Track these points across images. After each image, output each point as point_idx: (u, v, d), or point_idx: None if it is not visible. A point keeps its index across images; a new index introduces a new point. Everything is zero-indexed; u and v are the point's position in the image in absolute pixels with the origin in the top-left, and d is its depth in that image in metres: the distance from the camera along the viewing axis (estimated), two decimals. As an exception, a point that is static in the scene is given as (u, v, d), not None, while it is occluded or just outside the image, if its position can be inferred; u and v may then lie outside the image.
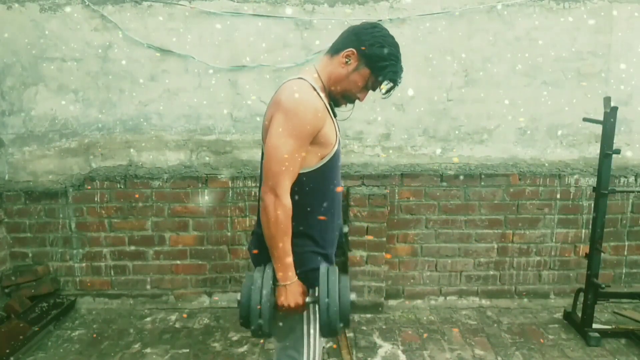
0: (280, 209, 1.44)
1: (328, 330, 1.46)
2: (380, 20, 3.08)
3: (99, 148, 3.26)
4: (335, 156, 1.58)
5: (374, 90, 1.64)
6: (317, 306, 1.48)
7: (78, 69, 3.16)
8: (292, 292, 1.50)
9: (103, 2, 3.08)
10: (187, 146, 3.27)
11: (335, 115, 1.65)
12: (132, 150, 3.27)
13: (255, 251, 1.64)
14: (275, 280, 1.51)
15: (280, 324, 1.63)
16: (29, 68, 3.16)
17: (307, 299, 1.52)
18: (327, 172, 1.56)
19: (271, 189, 1.45)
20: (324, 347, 2.77)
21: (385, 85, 1.61)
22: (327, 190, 1.60)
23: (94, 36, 3.12)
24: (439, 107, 3.24)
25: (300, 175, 1.51)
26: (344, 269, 3.25)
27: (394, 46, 1.57)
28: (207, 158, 3.28)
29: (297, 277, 1.52)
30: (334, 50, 1.59)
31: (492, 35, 3.15)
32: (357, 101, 1.66)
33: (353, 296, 1.49)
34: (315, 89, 1.51)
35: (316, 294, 1.50)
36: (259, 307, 1.44)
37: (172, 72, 3.17)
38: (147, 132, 3.25)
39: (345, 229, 2.12)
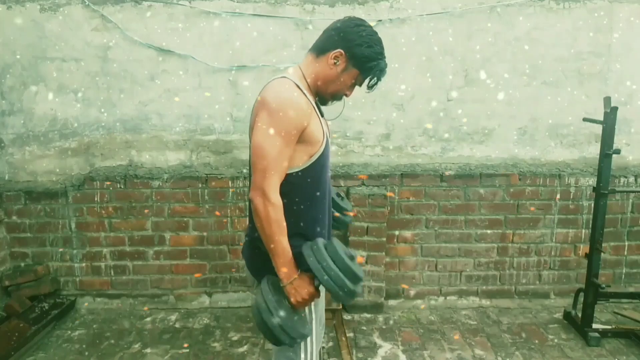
0: (271, 207, 1.44)
1: (345, 298, 1.44)
2: (380, 21, 3.08)
3: (99, 148, 3.26)
4: (324, 154, 1.58)
5: (360, 86, 1.67)
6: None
7: (78, 69, 3.16)
8: (300, 287, 1.49)
9: (103, 2, 3.08)
10: (187, 146, 3.27)
11: (322, 115, 1.66)
12: (132, 150, 3.27)
13: (248, 251, 1.66)
14: (276, 287, 1.50)
15: None
16: (29, 68, 3.16)
17: (316, 283, 1.51)
18: (316, 170, 1.57)
19: (259, 188, 1.45)
20: (323, 347, 2.77)
21: (371, 81, 1.63)
22: (318, 189, 1.60)
23: (94, 36, 3.12)
24: (439, 107, 3.24)
25: (289, 175, 1.51)
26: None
27: (379, 43, 1.57)
28: (207, 158, 3.29)
29: (299, 271, 1.51)
30: (320, 50, 1.59)
31: (492, 35, 3.15)
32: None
33: (348, 252, 1.47)
34: (299, 87, 1.52)
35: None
36: (277, 323, 1.42)
37: (172, 72, 3.17)
38: (147, 132, 3.25)
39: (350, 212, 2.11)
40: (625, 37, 3.17)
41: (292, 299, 1.49)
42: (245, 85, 3.18)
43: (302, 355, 1.61)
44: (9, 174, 3.28)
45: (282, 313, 1.43)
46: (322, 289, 1.62)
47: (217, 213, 3.27)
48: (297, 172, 1.53)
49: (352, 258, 1.48)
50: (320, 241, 1.50)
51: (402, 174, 3.27)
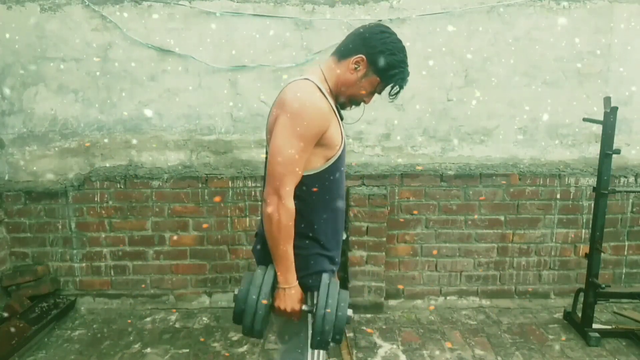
0: (283, 211, 1.42)
1: (318, 342, 1.43)
2: (380, 21, 3.08)
3: (99, 148, 3.26)
4: (341, 158, 1.55)
5: (379, 94, 1.64)
6: (313, 316, 1.45)
7: (78, 69, 3.16)
8: (290, 297, 1.48)
9: (103, 2, 3.08)
10: (187, 146, 3.27)
11: (342, 118, 1.63)
12: (132, 150, 3.27)
13: (260, 250, 1.63)
14: (276, 282, 1.50)
15: (285, 326, 1.62)
16: (29, 68, 3.16)
17: (304, 307, 1.51)
18: (332, 173, 1.54)
19: (275, 191, 1.43)
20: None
21: (393, 90, 1.60)
22: (333, 192, 1.57)
23: (94, 36, 3.12)
24: (439, 107, 3.24)
25: (305, 177, 1.49)
26: (344, 269, 3.26)
27: (403, 52, 1.54)
28: (207, 158, 3.29)
29: (297, 282, 1.50)
30: (342, 54, 1.56)
31: (492, 35, 3.15)
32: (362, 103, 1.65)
33: (350, 312, 1.46)
34: (320, 90, 1.49)
35: (314, 301, 1.48)
36: (255, 304, 1.42)
37: (172, 72, 3.17)
38: (147, 132, 3.25)
39: (344, 236, 2.08)
40: (625, 37, 3.17)
41: (276, 303, 1.49)
42: (245, 85, 3.18)
43: (309, 358, 1.60)
44: (9, 174, 3.28)
45: (263, 300, 1.42)
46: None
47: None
48: (312, 175, 1.51)
49: (349, 321, 1.46)
50: (338, 284, 1.48)
51: (402, 174, 3.26)
